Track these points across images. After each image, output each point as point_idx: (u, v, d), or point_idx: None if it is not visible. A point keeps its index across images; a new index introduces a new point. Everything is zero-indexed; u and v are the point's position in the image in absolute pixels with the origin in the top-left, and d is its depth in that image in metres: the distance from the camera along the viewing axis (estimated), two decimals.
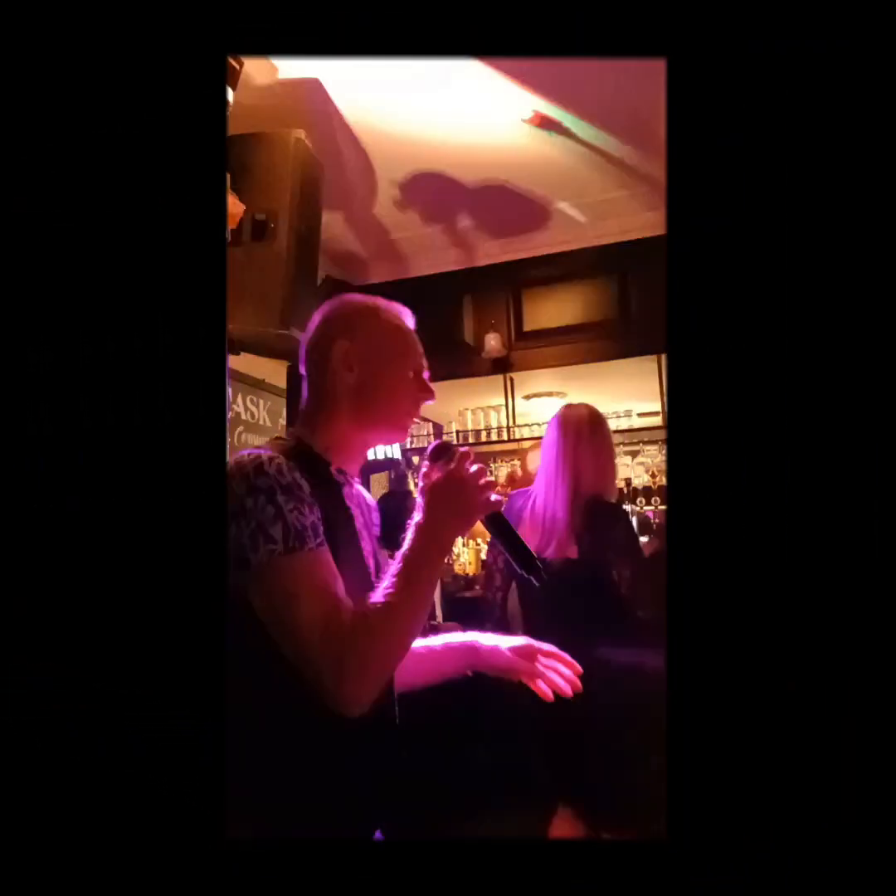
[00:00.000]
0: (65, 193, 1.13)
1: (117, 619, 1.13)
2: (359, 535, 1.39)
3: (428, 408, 1.47)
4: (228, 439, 2.82)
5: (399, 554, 1.23)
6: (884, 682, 1.05)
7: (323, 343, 1.40)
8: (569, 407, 2.70)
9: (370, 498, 1.53)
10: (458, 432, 5.12)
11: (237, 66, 2.28)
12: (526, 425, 4.84)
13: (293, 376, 3.77)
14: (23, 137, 1.12)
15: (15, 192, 1.11)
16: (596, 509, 2.47)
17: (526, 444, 4.47)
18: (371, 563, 1.40)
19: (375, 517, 1.52)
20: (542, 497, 2.56)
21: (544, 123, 2.99)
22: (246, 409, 3.67)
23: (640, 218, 3.56)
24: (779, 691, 1.07)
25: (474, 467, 1.28)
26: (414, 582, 1.20)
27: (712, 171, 1.10)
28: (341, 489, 1.37)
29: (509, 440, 4.82)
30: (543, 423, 3.36)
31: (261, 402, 3.80)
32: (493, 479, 1.30)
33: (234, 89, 2.23)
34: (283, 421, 3.93)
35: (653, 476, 4.57)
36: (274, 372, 3.84)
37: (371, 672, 1.16)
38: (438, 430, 5.26)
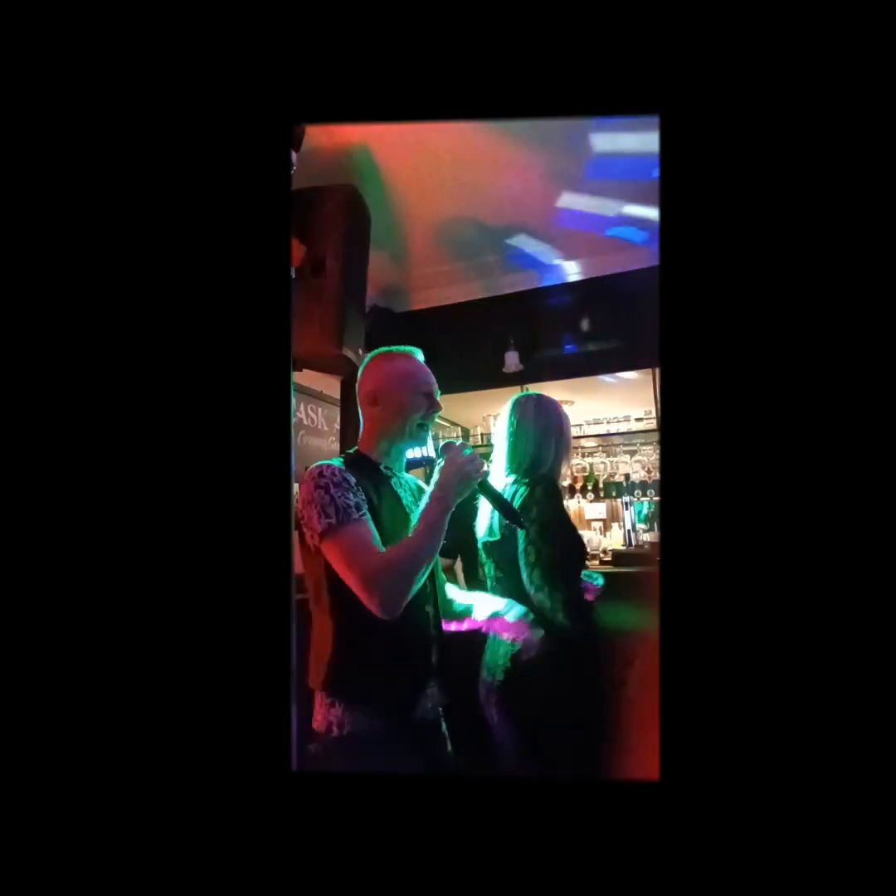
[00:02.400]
0: (163, 242, 1.15)
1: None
2: (407, 507, 1.70)
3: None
4: (294, 440, 2.85)
5: (417, 513, 1.56)
6: (873, 671, 1.04)
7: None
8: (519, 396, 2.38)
9: (422, 484, 1.86)
10: (481, 434, 5.12)
11: (301, 132, 2.29)
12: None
13: (346, 388, 3.79)
14: (119, 191, 1.14)
15: (125, 244, 1.14)
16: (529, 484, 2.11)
17: None
18: None
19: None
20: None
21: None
22: (307, 415, 3.70)
23: (634, 253, 3.55)
24: (761, 651, 1.06)
25: (467, 452, 1.62)
26: (427, 529, 1.53)
27: (699, 212, 1.10)
28: (390, 480, 1.72)
29: None
30: None
31: (319, 409, 3.82)
32: (480, 459, 1.62)
33: (297, 151, 2.24)
34: (337, 426, 3.95)
35: (648, 472, 4.55)
36: (330, 385, 3.86)
37: (395, 591, 1.46)
38: (466, 432, 5.27)
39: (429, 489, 1.59)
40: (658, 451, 4.39)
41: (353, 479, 1.57)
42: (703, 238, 1.10)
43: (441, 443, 1.70)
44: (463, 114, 1.23)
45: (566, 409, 2.41)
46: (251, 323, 1.16)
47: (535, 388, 4.48)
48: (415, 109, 1.21)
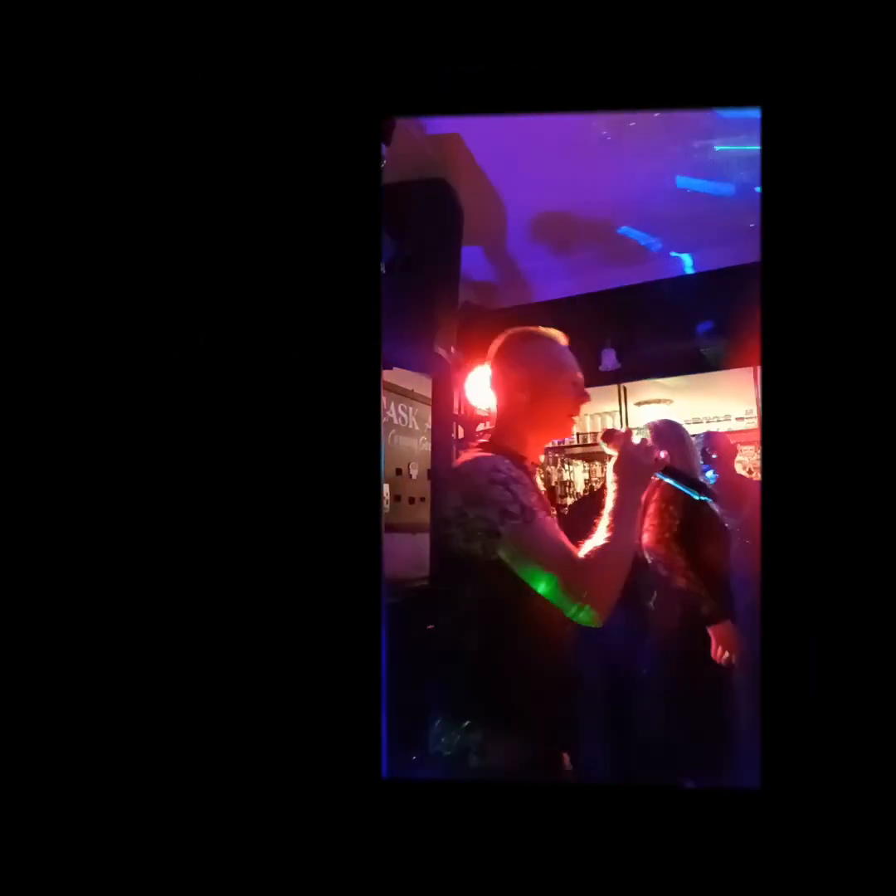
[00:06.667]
0: (252, 238, 1.18)
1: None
2: (547, 504, 1.60)
3: None
4: (384, 440, 2.88)
5: (605, 512, 1.45)
6: None
7: (500, 374, 1.69)
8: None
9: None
10: (578, 434, 5.08)
11: (391, 125, 2.31)
12: (637, 428, 4.72)
13: (436, 387, 3.81)
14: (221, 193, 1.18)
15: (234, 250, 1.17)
16: None
17: None
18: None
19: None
20: None
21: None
22: (397, 415, 3.74)
23: (734, 248, 3.45)
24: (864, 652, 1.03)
25: (638, 439, 1.53)
26: (619, 530, 1.41)
27: (800, 206, 1.07)
28: (534, 476, 1.63)
29: None
30: None
31: (410, 408, 3.85)
32: (653, 447, 1.54)
33: (388, 145, 2.26)
34: (428, 424, 3.97)
35: (749, 473, 4.41)
36: (421, 383, 3.89)
37: (606, 594, 1.38)
38: None
39: (609, 487, 1.49)
40: (759, 452, 4.27)
41: (525, 475, 1.51)
42: (807, 232, 1.08)
43: (600, 430, 1.63)
44: (563, 106, 1.22)
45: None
46: (341, 320, 1.18)
47: (631, 387, 4.44)
48: (509, 102, 1.20)
